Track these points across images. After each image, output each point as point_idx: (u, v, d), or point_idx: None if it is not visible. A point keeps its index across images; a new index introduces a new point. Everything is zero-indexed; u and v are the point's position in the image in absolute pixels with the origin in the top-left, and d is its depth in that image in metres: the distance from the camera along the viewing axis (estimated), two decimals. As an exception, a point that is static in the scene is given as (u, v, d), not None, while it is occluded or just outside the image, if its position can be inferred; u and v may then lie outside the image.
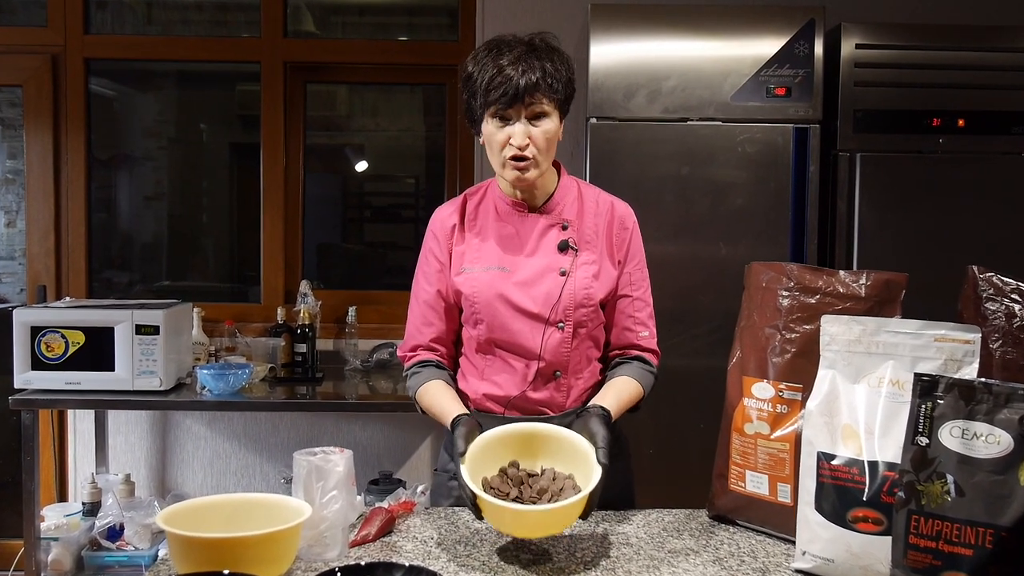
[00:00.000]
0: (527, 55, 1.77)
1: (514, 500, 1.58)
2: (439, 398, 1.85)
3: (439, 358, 1.95)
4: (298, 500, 1.54)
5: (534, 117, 1.79)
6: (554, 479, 1.62)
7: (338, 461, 1.59)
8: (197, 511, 1.52)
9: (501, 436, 1.70)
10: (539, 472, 1.65)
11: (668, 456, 2.95)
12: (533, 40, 1.82)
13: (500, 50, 1.79)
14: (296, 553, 1.50)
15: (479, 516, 1.58)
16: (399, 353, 2.00)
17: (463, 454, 1.62)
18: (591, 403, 1.80)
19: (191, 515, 1.50)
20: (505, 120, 1.80)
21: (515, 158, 1.80)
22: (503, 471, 1.64)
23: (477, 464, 1.63)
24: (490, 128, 1.82)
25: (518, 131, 1.78)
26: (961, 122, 2.98)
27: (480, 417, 1.91)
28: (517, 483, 1.61)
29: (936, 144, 2.99)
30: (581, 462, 1.65)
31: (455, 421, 1.73)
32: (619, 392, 1.85)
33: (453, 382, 1.95)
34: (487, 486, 1.61)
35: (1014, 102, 2.98)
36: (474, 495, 1.55)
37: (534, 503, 1.58)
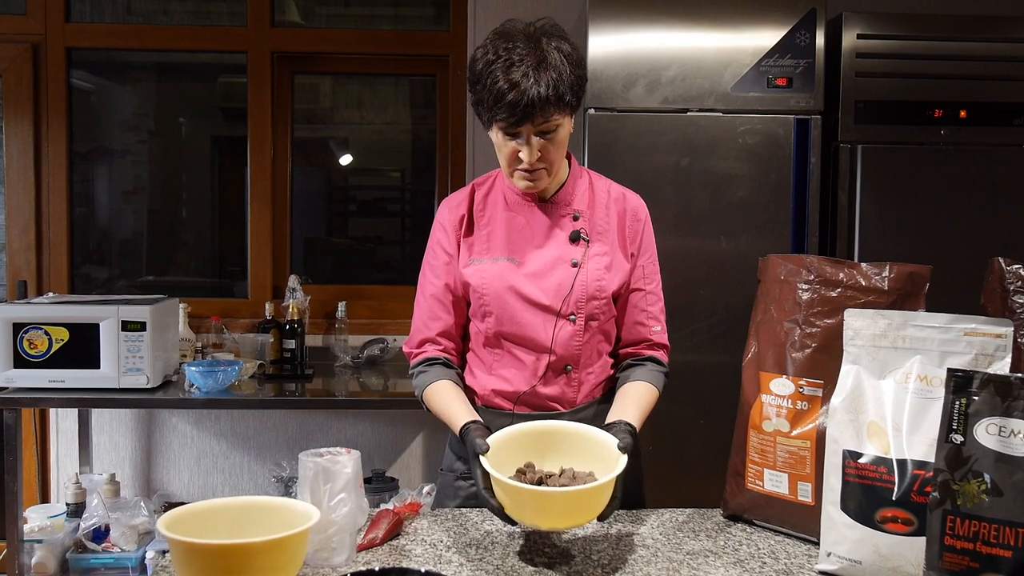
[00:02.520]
0: (537, 68, 1.66)
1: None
2: (448, 401, 1.79)
3: (446, 354, 1.89)
4: (305, 503, 1.48)
5: (546, 131, 1.72)
6: (574, 477, 1.57)
7: (346, 462, 1.52)
8: (200, 516, 1.45)
9: (514, 436, 1.64)
10: (557, 472, 1.59)
11: (668, 452, 2.90)
12: (540, 41, 1.70)
13: (508, 57, 1.67)
14: (304, 559, 1.43)
15: (506, 519, 1.53)
16: (405, 349, 1.93)
17: (487, 451, 1.56)
18: (615, 419, 1.73)
19: (194, 520, 1.43)
20: (514, 135, 1.73)
21: (526, 169, 1.75)
22: (520, 472, 1.58)
23: (492, 465, 1.57)
24: (499, 138, 1.76)
25: (528, 149, 1.72)
26: (963, 113, 2.95)
27: (488, 413, 1.85)
28: (535, 484, 1.55)
29: (938, 135, 2.96)
30: (600, 456, 1.59)
31: (465, 429, 1.67)
32: (639, 402, 1.80)
33: (461, 380, 1.89)
34: None
35: (1016, 93, 2.95)
36: (493, 484, 1.51)
37: None
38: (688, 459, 2.94)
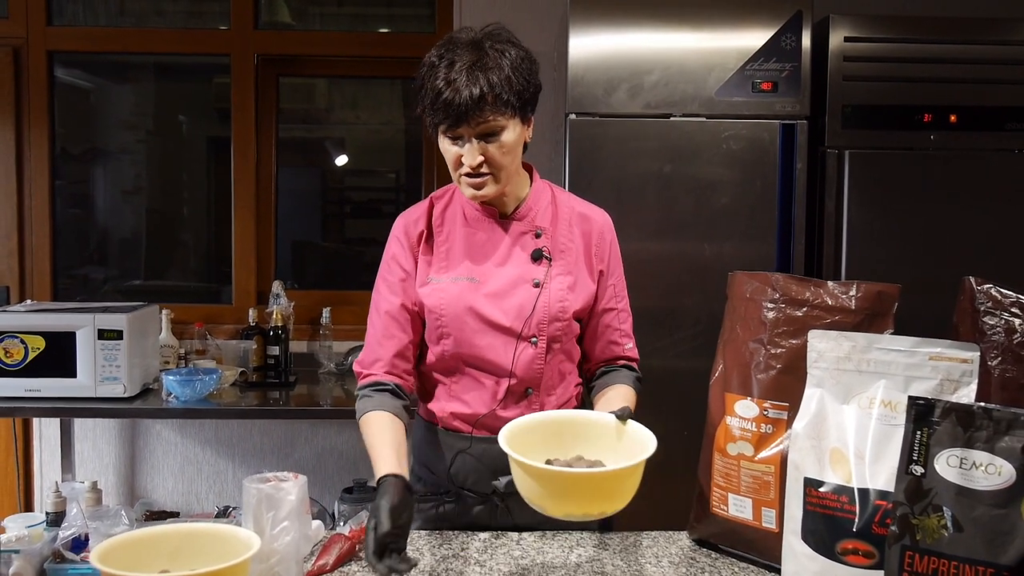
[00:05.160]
0: (473, 67, 1.61)
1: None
2: (378, 440, 1.66)
3: (398, 378, 1.78)
4: (247, 531, 1.43)
5: (487, 134, 1.65)
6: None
7: (290, 489, 1.48)
8: (138, 545, 1.40)
9: (531, 425, 1.56)
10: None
11: (651, 463, 2.84)
12: (483, 45, 1.65)
13: (451, 60, 1.63)
14: (245, 589, 1.39)
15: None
16: (355, 368, 1.83)
17: (387, 532, 1.41)
18: (609, 411, 1.66)
19: (132, 549, 1.38)
20: (455, 138, 1.67)
21: (470, 175, 1.68)
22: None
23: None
24: (444, 143, 1.69)
25: (469, 151, 1.65)
26: (953, 118, 2.87)
27: (447, 436, 1.80)
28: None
29: (927, 140, 2.89)
30: (617, 447, 1.54)
31: (381, 482, 1.53)
32: (625, 398, 1.76)
33: (407, 413, 1.76)
34: None
35: (1007, 97, 2.88)
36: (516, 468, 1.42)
37: None
38: (672, 470, 2.85)
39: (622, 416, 1.55)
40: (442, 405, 1.80)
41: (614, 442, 1.54)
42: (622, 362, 1.89)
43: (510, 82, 1.63)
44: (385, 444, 1.64)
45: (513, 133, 1.68)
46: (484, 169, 1.67)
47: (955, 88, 2.88)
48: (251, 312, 3.56)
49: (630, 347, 1.89)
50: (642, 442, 1.48)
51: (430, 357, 1.81)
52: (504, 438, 1.46)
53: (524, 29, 1.75)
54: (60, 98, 3.78)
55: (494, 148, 1.66)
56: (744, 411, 1.64)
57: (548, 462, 1.49)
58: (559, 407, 1.81)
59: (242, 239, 3.76)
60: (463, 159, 1.66)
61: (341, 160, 4.23)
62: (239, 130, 3.73)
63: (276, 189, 3.86)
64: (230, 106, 3.77)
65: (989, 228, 2.87)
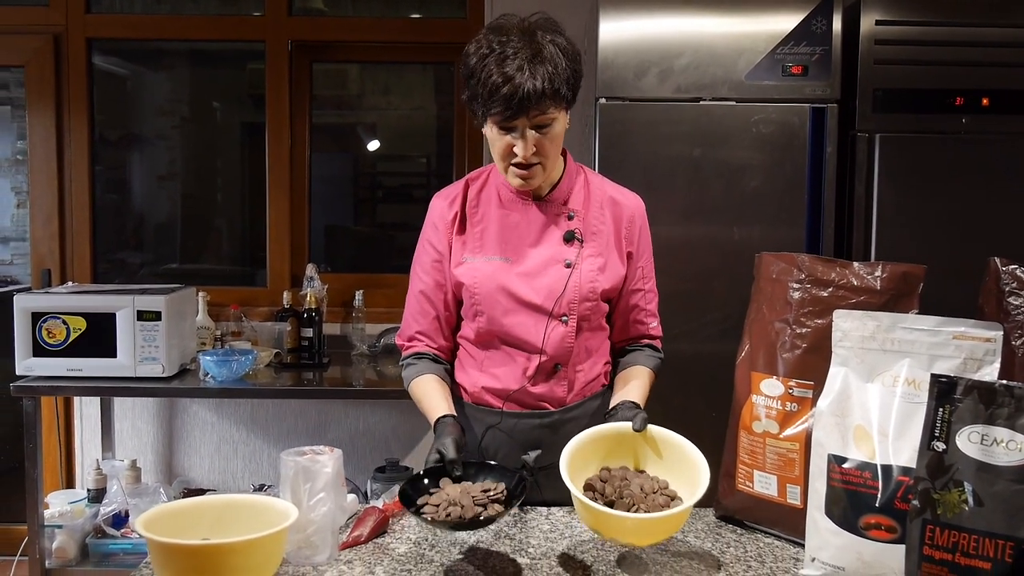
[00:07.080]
0: (532, 61, 1.64)
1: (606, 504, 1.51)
2: (428, 394, 1.80)
3: (435, 350, 1.90)
4: (284, 502, 1.48)
5: (540, 125, 1.69)
6: (642, 489, 1.53)
7: (326, 462, 1.52)
8: (180, 514, 1.46)
9: (588, 441, 1.61)
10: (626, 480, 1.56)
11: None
12: (535, 34, 1.68)
13: (503, 51, 1.65)
14: (282, 557, 1.44)
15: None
16: (397, 341, 1.95)
17: (453, 461, 1.57)
18: (620, 400, 1.75)
19: (174, 519, 1.44)
20: (509, 129, 1.70)
21: (520, 165, 1.72)
22: (589, 486, 1.55)
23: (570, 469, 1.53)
24: (493, 133, 1.73)
25: (523, 143, 1.69)
26: (985, 101, 2.86)
27: (478, 411, 1.85)
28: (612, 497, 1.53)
29: (959, 124, 2.87)
30: (676, 465, 1.62)
31: (439, 423, 1.69)
32: (641, 384, 1.83)
33: (448, 376, 1.89)
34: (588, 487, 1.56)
35: (1040, 80, 2.87)
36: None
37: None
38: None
39: (639, 429, 1.61)
40: (474, 379, 1.86)
41: (663, 456, 1.64)
42: (646, 340, 1.95)
43: (564, 75, 1.68)
44: (436, 395, 1.79)
45: (562, 124, 1.74)
46: (535, 159, 1.71)
47: (987, 71, 2.86)
48: (285, 295, 3.62)
49: (654, 326, 1.95)
50: (690, 474, 1.57)
51: (467, 331, 1.88)
52: (566, 455, 1.53)
53: (554, 13, 1.77)
54: (98, 85, 3.86)
55: (546, 139, 1.71)
56: (770, 389, 1.67)
57: (587, 485, 1.55)
58: (587, 383, 1.86)
59: (276, 223, 3.82)
60: (516, 150, 1.70)
61: (373, 145, 4.27)
62: (273, 116, 3.79)
63: (309, 174, 3.92)
64: (264, 92, 3.82)
65: (1021, 213, 2.86)
